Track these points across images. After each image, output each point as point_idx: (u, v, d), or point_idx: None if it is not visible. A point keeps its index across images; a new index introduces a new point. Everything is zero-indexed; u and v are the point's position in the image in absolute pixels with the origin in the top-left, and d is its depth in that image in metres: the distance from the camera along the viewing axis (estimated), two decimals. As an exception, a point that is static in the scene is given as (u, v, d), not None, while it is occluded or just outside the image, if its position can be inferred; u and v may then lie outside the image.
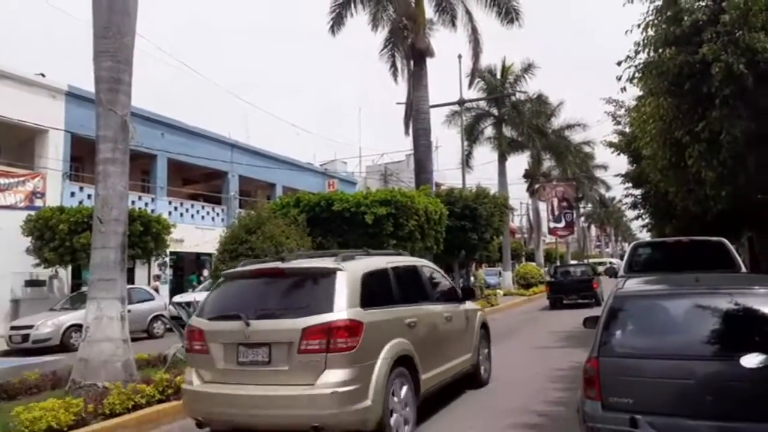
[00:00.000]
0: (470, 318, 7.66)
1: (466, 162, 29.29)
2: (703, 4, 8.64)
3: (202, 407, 5.25)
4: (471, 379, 7.50)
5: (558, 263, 41.62)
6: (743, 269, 9.57)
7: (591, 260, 50.91)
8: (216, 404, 5.15)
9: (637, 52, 9.01)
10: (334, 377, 4.78)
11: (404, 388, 5.42)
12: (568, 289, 22.13)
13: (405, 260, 6.90)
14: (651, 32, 8.79)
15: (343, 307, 4.98)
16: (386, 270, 6.01)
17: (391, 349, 5.28)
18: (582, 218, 62.80)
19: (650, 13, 8.84)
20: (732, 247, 9.80)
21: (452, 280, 10.25)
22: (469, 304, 7.81)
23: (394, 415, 5.21)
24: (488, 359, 8.13)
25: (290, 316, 5.07)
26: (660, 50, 8.78)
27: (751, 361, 3.43)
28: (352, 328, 4.92)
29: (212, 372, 5.23)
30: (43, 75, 20.60)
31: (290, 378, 4.90)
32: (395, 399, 5.27)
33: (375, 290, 5.52)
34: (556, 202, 41.89)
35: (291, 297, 5.36)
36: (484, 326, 8.08)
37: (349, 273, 5.26)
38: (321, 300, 5.06)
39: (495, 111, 33.49)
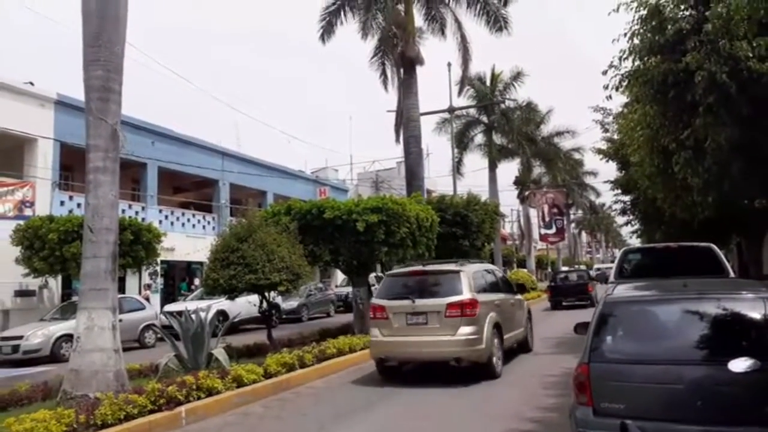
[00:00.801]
0: (522, 304, 11.36)
1: (456, 169, 29.37)
2: (687, 13, 8.75)
3: (384, 350, 8.96)
4: (523, 347, 11.02)
5: (549, 269, 41.69)
6: (732, 274, 9.67)
7: (598, 266, 50.95)
8: (394, 347, 8.85)
9: (621, 60, 9.11)
10: (466, 330, 8.33)
11: (496, 341, 8.88)
12: (567, 292, 24.17)
13: (488, 266, 10.94)
14: (636, 41, 8.90)
15: (468, 292, 8.56)
16: (482, 271, 9.91)
17: (491, 317, 8.81)
18: (572, 225, 63.04)
19: (635, 22, 8.95)
20: (720, 253, 9.90)
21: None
22: (519, 296, 11.45)
23: (494, 355, 8.67)
24: (531, 334, 11.70)
25: (437, 296, 8.65)
26: (645, 58, 8.88)
27: (738, 365, 3.48)
28: (474, 303, 8.47)
29: (390, 330, 8.83)
30: (32, 83, 20.51)
31: (440, 331, 8.44)
32: (494, 346, 8.69)
33: (479, 282, 9.22)
34: (546, 208, 42.08)
35: (434, 285, 8.92)
36: (529, 311, 11.79)
37: (467, 272, 8.95)
38: (454, 287, 8.63)
39: (485, 118, 33.59)
